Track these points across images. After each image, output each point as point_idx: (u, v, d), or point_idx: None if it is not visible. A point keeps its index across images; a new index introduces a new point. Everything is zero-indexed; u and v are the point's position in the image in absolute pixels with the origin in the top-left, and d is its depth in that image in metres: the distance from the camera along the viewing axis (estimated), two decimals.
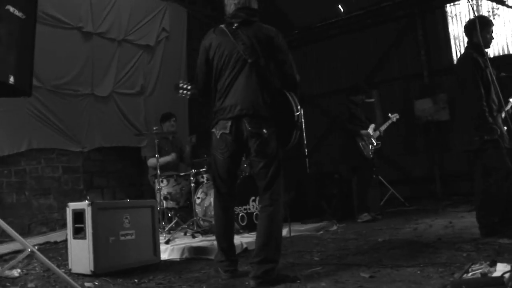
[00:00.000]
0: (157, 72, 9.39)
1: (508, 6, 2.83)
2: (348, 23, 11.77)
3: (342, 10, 11.08)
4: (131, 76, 8.84)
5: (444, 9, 10.90)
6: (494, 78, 4.75)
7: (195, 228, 6.34)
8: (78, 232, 4.20)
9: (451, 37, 10.75)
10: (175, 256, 5.04)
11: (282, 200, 3.56)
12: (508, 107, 5.76)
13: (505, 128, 4.84)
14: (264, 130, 3.47)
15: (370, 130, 7.60)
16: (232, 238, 3.81)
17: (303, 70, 12.29)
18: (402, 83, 11.10)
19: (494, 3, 2.97)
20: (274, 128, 3.52)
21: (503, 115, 5.47)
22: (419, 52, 10.86)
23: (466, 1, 3.02)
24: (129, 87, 8.80)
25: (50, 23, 7.41)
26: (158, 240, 4.66)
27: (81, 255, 4.10)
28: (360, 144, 7.43)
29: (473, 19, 4.92)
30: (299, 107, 3.55)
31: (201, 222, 6.49)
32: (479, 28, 4.66)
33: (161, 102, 9.23)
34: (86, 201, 4.16)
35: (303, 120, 8.98)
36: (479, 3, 10.25)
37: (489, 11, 10.09)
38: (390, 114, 8.06)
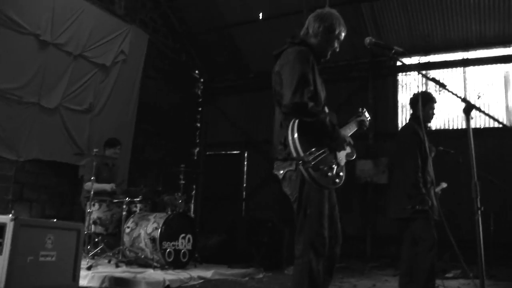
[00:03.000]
0: (108, 93, 9.25)
1: (448, 90, 2.95)
2: None
3: None
4: (81, 93, 8.68)
5: (396, 77, 11.34)
6: (430, 151, 4.93)
7: (120, 258, 6.18)
8: None
9: (399, 104, 11.16)
10: (95, 284, 4.88)
11: (308, 253, 3.06)
12: (438, 188, 5.96)
13: (435, 202, 4.98)
14: (280, 171, 3.24)
15: None
16: None
17: (255, 114, 12.40)
18: None
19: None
20: (293, 168, 3.13)
21: (438, 188, 5.67)
22: None
23: (417, 73, 3.17)
24: (78, 103, 8.63)
25: (6, 25, 7.25)
26: (79, 265, 4.50)
27: None
28: None
29: (417, 94, 5.14)
30: (293, 136, 3.00)
31: (127, 252, 6.33)
32: (423, 103, 4.89)
33: (108, 124, 9.08)
34: (10, 215, 3.98)
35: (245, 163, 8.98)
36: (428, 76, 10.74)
37: (436, 87, 10.55)
38: None
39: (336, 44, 3.46)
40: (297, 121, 3.05)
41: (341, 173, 3.20)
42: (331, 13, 3.43)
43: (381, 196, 10.35)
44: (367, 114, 4.00)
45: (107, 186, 7.04)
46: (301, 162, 2.95)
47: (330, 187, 3.13)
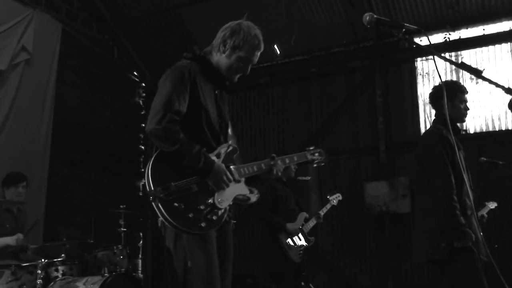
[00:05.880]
0: (7, 109, 8.95)
1: (484, 79, 2.92)
2: (285, 70, 11.95)
3: (278, 52, 11.27)
4: None
5: (414, 64, 11.33)
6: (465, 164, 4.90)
7: None
8: None
9: (420, 102, 11.13)
10: None
11: None
12: (484, 211, 5.94)
13: (481, 234, 4.94)
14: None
15: (300, 222, 7.57)
16: None
17: None
18: (351, 158, 11.30)
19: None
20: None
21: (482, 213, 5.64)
22: (376, 118, 11.14)
23: (443, 58, 3.02)
24: None
25: None
26: None
27: None
28: (285, 243, 7.36)
29: (440, 85, 5.13)
30: (148, 166, 3.43)
31: None
32: (449, 97, 4.88)
33: (10, 152, 8.82)
34: None
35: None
36: (459, 60, 10.69)
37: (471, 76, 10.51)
38: (329, 196, 8.11)
39: (241, 64, 3.81)
40: (157, 152, 3.52)
41: (214, 217, 3.49)
42: (242, 26, 3.79)
43: (403, 231, 10.31)
44: (318, 156, 4.42)
45: (9, 239, 6.79)
46: (150, 197, 3.33)
47: (192, 231, 3.43)
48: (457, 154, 4.81)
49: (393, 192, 10.52)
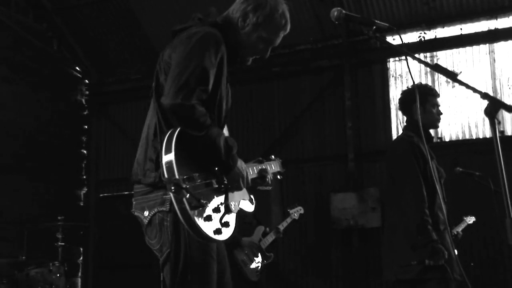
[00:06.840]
0: None
1: (460, 82, 2.94)
2: (245, 69, 11.79)
3: None
4: None
5: (386, 65, 11.44)
6: (438, 175, 4.95)
7: None
8: None
9: (392, 106, 11.22)
10: None
11: None
12: (460, 228, 6.02)
13: (456, 251, 4.99)
14: (145, 213, 3.25)
15: (257, 237, 7.57)
16: None
17: None
18: (316, 167, 11.32)
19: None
20: (166, 208, 3.14)
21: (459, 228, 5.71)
22: (344, 123, 11.20)
23: (417, 59, 3.03)
24: None
25: None
26: None
27: None
28: (240, 260, 7.35)
29: (411, 88, 5.17)
30: (170, 151, 2.96)
31: None
32: (421, 101, 4.92)
33: None
34: None
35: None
36: (435, 61, 10.75)
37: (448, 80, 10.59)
38: (289, 209, 8.11)
39: (261, 45, 3.55)
40: (178, 130, 3.03)
41: (230, 224, 3.17)
42: (268, 0, 3.46)
43: (373, 247, 10.35)
44: (275, 166, 4.12)
45: None
46: (173, 187, 2.79)
47: (209, 237, 3.02)
48: (430, 164, 4.86)
49: (362, 204, 10.55)
